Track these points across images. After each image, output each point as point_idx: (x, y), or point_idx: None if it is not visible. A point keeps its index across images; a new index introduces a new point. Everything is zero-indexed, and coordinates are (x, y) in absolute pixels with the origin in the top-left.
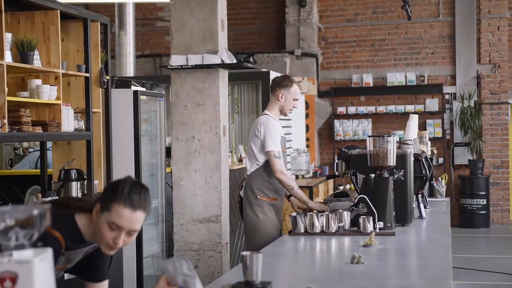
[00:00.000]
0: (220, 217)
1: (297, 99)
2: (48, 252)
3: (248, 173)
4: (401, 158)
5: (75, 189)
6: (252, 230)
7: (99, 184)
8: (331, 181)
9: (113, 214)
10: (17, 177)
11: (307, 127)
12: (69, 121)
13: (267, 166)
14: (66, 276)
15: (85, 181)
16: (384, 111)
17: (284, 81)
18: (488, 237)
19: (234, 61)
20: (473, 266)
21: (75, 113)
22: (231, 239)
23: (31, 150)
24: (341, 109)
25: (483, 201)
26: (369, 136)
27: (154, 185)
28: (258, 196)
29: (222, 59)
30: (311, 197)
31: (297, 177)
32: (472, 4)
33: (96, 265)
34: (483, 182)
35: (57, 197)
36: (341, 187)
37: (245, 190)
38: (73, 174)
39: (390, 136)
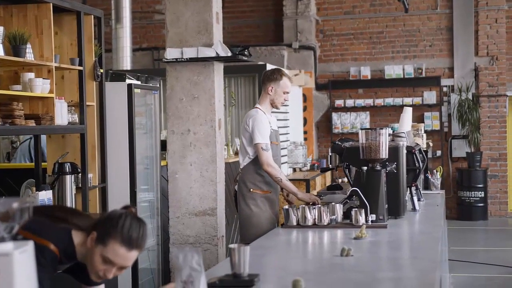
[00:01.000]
0: (216, 210)
1: (287, 92)
2: (29, 245)
3: (241, 167)
4: (394, 151)
5: (69, 183)
6: (246, 223)
7: (93, 178)
8: (328, 174)
9: (108, 249)
10: (13, 170)
11: (305, 120)
12: (62, 115)
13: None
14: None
15: (79, 174)
16: (382, 104)
17: (274, 75)
18: (486, 230)
19: (229, 54)
20: (471, 258)
21: (69, 106)
22: (227, 232)
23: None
24: (339, 102)
25: (481, 194)
26: (362, 129)
27: (149, 178)
28: (251, 189)
29: (216, 52)
30: (307, 190)
31: (294, 170)
32: None
33: None
34: (481, 175)
35: (53, 205)
36: (339, 180)
37: (238, 184)
38: (67, 167)
39: (382, 129)
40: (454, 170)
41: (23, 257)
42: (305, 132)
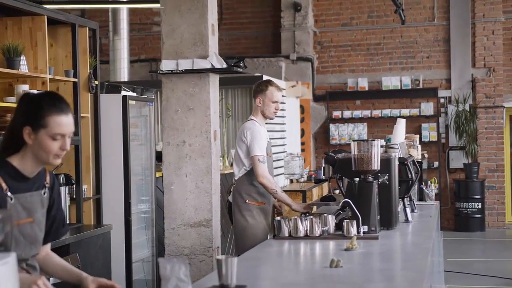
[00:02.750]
0: (211, 221)
1: (276, 101)
2: (12, 257)
3: (236, 178)
4: (386, 162)
5: (64, 194)
6: (241, 234)
7: (88, 189)
8: (325, 185)
9: (51, 128)
10: None
11: (303, 131)
12: None
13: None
14: (52, 280)
15: (74, 185)
16: (380, 115)
17: (260, 86)
18: (484, 241)
19: (224, 65)
20: (468, 269)
21: None
22: (222, 243)
23: None
24: (336, 113)
25: (478, 205)
26: (354, 140)
27: (145, 190)
28: (247, 201)
29: (212, 64)
30: (304, 201)
31: (291, 181)
32: (467, 8)
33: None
34: (478, 186)
35: None
36: (337, 191)
37: (233, 195)
38: (62, 179)
39: (374, 140)
40: (452, 181)
41: (5, 269)
42: (302, 143)
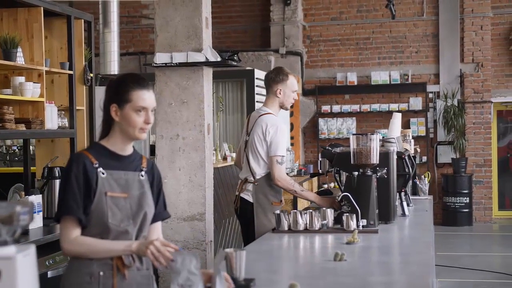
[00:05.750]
0: (204, 215)
1: (295, 91)
2: (31, 249)
3: (257, 177)
4: (384, 156)
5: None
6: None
7: None
8: (315, 179)
9: (135, 101)
10: (1, 174)
11: (292, 125)
12: (52, 119)
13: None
14: (50, 273)
15: None
16: (368, 110)
17: (279, 76)
18: (471, 235)
19: (219, 59)
20: (456, 263)
21: (58, 110)
22: (215, 237)
23: (14, 148)
24: (325, 108)
25: (466, 199)
26: (353, 134)
27: None
28: (273, 202)
29: (206, 57)
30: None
31: None
32: (456, 3)
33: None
34: (466, 181)
35: None
36: (325, 186)
37: (256, 195)
38: (57, 172)
39: (373, 134)
40: (440, 176)
41: (26, 261)
42: (291, 138)
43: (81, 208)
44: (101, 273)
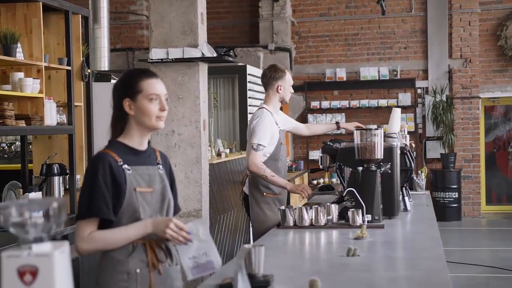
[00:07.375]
0: (201, 211)
1: (292, 84)
2: (66, 246)
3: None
4: (388, 151)
5: (57, 184)
6: (260, 227)
7: (81, 179)
8: (305, 175)
9: (146, 90)
10: None
11: None
12: (51, 115)
13: (270, 162)
14: None
15: (67, 175)
16: (358, 106)
17: (278, 73)
18: (460, 230)
19: (215, 54)
20: (446, 258)
21: (57, 106)
22: (211, 233)
23: (4, 145)
24: (314, 104)
25: (454, 195)
26: (357, 129)
27: None
28: (264, 193)
29: (202, 53)
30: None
31: None
32: None
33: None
34: (454, 176)
35: None
36: (315, 181)
37: (250, 187)
38: (55, 168)
39: (377, 129)
40: (429, 171)
41: (62, 257)
42: None
43: (111, 209)
44: (138, 270)
